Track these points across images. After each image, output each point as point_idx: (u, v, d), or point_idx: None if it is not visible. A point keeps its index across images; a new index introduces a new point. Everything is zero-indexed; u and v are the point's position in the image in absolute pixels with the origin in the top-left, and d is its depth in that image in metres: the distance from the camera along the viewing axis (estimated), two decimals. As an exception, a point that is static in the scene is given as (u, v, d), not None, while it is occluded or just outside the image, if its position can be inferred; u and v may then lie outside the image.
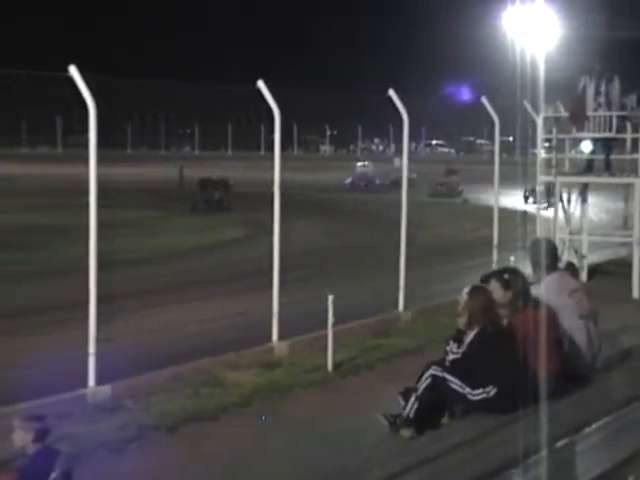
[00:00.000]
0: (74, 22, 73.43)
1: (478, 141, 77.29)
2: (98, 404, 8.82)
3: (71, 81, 9.24)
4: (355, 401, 9.19)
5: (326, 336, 10.36)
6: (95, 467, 7.09)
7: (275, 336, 11.17)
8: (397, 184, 53.88)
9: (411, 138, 13.66)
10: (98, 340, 9.17)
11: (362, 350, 11.08)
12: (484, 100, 14.96)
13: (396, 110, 12.88)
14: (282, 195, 11.23)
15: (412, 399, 7.94)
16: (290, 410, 8.91)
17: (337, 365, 10.34)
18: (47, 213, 29.14)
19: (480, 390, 7.98)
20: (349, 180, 48.03)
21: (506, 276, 9.00)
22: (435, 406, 8.04)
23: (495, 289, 8.71)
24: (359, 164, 50.93)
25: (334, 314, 10.37)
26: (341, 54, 79.56)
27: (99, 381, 9.10)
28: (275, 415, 8.74)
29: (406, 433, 7.81)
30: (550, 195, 17.64)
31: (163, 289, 15.93)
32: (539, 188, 17.22)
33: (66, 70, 9.26)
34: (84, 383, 9.05)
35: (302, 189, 35.08)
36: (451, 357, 8.14)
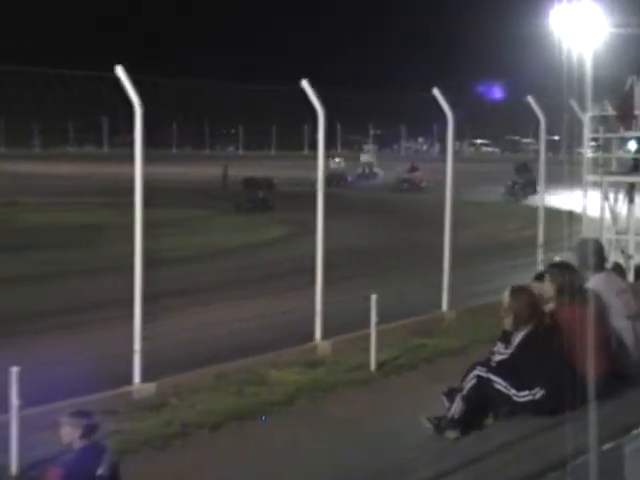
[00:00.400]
0: (120, 21, 74.25)
1: (524, 140, 76.66)
2: (143, 401, 8.90)
3: (118, 81, 9.34)
4: (398, 401, 9.15)
5: (369, 335, 10.34)
6: (140, 464, 7.16)
7: (318, 335, 11.18)
8: (361, 178, 53.41)
9: (455, 137, 13.59)
10: (143, 338, 9.25)
11: (405, 350, 11.04)
12: (530, 99, 14.83)
13: (440, 109, 12.82)
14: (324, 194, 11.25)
15: (457, 400, 7.89)
16: (333, 409, 8.91)
17: (380, 365, 10.31)
18: (94, 212, 29.45)
19: (526, 392, 7.90)
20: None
21: (553, 269, 8.93)
22: (480, 407, 7.98)
23: (546, 283, 8.65)
24: (335, 160, 50.97)
25: (377, 313, 10.36)
26: (383, 53, 79.49)
27: (144, 378, 9.19)
28: (318, 414, 8.74)
29: (451, 434, 7.76)
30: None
31: (208, 287, 16.03)
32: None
33: (111, 70, 9.35)
34: (129, 380, 9.15)
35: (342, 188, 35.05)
36: (498, 358, 8.06)
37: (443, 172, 13.17)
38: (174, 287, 14.49)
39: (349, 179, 47.96)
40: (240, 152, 72.10)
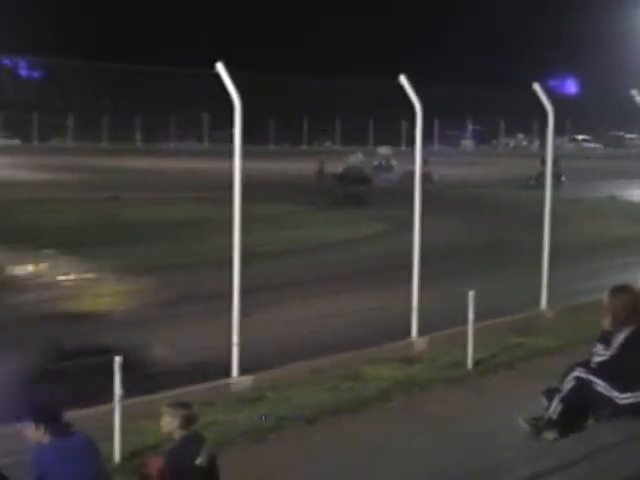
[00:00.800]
0: (224, 20, 75.07)
1: (627, 136, 74.62)
2: (240, 394, 9.04)
3: (218, 78, 9.48)
4: (495, 400, 9.07)
5: (465, 333, 10.26)
6: (237, 455, 7.28)
7: (414, 331, 11.15)
8: (378, 170, 51.84)
9: (555, 133, 13.35)
10: (241, 331, 9.38)
11: (502, 348, 10.91)
12: (635, 93, 14.44)
13: (539, 105, 12.61)
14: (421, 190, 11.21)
15: (556, 400, 7.77)
16: (429, 407, 8.88)
17: (477, 363, 10.22)
18: (194, 207, 29.92)
19: (629, 394, 7.72)
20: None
21: None
22: (579, 409, 7.84)
23: None
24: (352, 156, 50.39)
25: (473, 310, 10.26)
26: (480, 49, 78.43)
27: (241, 371, 9.32)
28: (413, 411, 8.73)
29: (549, 435, 7.65)
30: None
31: (303, 282, 16.11)
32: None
33: (211, 67, 9.50)
34: (227, 373, 9.29)
35: (439, 184, 34.79)
36: (598, 359, 7.90)
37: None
38: (270, 281, 14.62)
39: (367, 172, 47.06)
40: (337, 147, 72.30)
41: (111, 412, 7.40)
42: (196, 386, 8.81)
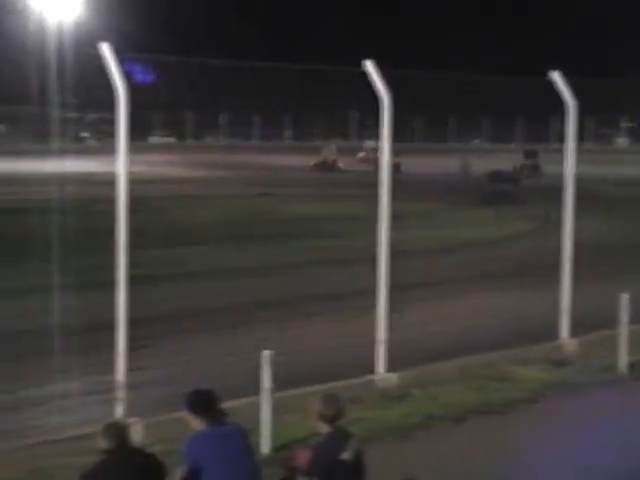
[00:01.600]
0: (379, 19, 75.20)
1: None
2: (386, 391, 9.06)
3: (365, 76, 9.51)
4: (650, 406, 8.75)
5: (618, 335, 9.94)
6: (383, 451, 7.30)
7: (565, 332, 10.88)
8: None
9: None
10: (388, 328, 9.39)
11: (658, 352, 10.51)
12: None
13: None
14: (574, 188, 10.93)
15: None
16: (578, 410, 8.65)
17: (631, 366, 9.89)
18: (341, 203, 30.16)
19: None
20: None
21: None
22: None
23: None
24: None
25: (627, 313, 9.94)
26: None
27: (387, 368, 9.34)
28: (562, 414, 8.53)
29: None
30: None
31: (449, 280, 15.97)
32: None
33: (358, 65, 9.54)
34: (373, 369, 9.33)
35: (590, 182, 33.73)
36: None
37: None
38: (418, 279, 14.59)
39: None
40: (485, 145, 71.29)
41: (259, 405, 7.56)
42: (342, 381, 8.88)
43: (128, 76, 7.89)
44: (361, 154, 50.31)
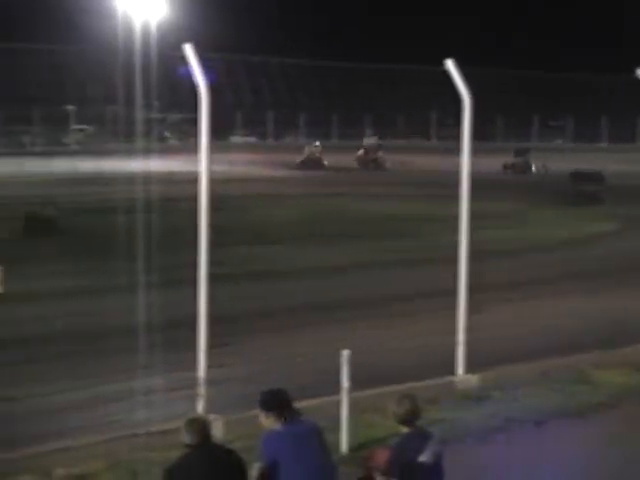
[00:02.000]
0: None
1: None
2: (465, 392, 8.99)
3: (445, 75, 9.44)
4: None
5: None
6: (463, 453, 7.24)
7: (650, 336, 10.64)
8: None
9: None
10: (469, 329, 9.31)
11: None
12: None
13: None
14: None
15: None
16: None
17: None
18: (418, 203, 30.01)
19: None
20: None
21: None
22: None
23: None
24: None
25: None
26: None
27: (467, 369, 9.26)
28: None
29: None
30: None
31: (530, 281, 15.74)
32: None
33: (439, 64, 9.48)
34: (452, 370, 9.26)
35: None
36: None
37: None
38: (498, 280, 14.41)
39: None
40: (568, 144, 70.10)
41: (338, 404, 7.58)
42: (421, 382, 8.84)
43: (209, 76, 7.98)
44: (360, 152, 47.87)
